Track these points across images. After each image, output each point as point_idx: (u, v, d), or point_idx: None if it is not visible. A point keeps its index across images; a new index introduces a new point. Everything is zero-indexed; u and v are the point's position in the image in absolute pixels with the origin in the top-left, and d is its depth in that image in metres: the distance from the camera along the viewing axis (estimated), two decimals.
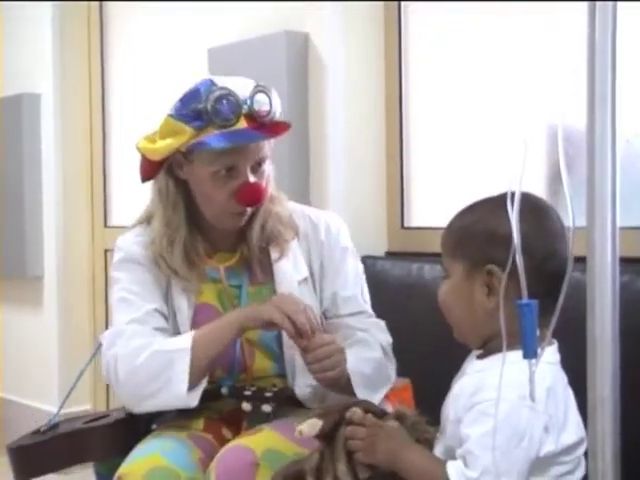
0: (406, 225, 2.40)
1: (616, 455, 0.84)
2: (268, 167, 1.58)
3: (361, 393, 1.50)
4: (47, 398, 3.19)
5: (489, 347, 1.24)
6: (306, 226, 1.67)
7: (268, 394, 1.56)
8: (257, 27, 2.47)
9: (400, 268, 2.12)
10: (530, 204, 1.19)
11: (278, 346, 1.60)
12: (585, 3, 0.83)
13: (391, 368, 1.62)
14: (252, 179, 1.52)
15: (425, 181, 2.38)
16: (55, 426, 1.67)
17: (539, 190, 1.95)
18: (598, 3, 0.83)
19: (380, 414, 1.31)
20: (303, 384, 1.58)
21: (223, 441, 1.54)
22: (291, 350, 1.57)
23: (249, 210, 1.57)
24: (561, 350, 1.24)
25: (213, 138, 1.47)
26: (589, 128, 0.84)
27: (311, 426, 1.26)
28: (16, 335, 3.44)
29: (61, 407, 1.82)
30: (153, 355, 1.47)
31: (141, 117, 3.19)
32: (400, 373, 1.65)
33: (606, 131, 0.83)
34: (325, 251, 1.66)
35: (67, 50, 3.29)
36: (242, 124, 1.49)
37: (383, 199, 2.41)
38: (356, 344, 1.57)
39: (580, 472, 1.21)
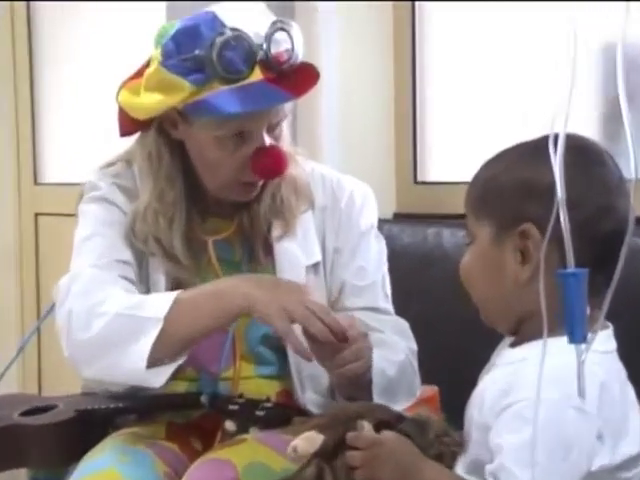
0: (420, 179, 2.41)
1: None
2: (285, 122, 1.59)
3: (380, 399, 1.50)
4: None
5: (524, 332, 1.23)
6: (325, 195, 1.68)
7: (260, 412, 1.52)
8: None
9: (412, 234, 2.13)
10: (577, 147, 1.18)
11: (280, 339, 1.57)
12: None
13: (416, 381, 1.63)
14: (268, 141, 1.52)
15: (444, 123, 2.39)
16: None
17: (590, 134, 1.95)
18: None
19: (396, 421, 1.30)
20: (314, 394, 1.59)
21: (192, 453, 1.56)
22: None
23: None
24: (617, 336, 1.24)
25: (221, 98, 1.45)
26: None
27: (309, 441, 1.24)
28: None
29: None
30: (115, 320, 1.46)
31: (79, 58, 3.19)
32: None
33: None
34: (343, 226, 1.67)
35: None
36: (257, 76, 1.47)
37: (390, 146, 2.41)
38: (374, 345, 1.55)
39: None
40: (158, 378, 1.46)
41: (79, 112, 3.23)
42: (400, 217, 2.37)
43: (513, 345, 1.26)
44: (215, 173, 1.57)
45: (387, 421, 1.29)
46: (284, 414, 1.56)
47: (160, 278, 1.59)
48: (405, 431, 1.27)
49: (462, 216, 1.30)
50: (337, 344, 1.42)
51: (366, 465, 1.23)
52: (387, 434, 1.26)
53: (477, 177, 1.27)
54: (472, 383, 1.28)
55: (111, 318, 1.45)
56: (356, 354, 1.45)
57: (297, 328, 1.44)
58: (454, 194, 2.15)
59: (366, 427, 1.25)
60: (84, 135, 3.19)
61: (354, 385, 1.50)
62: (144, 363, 1.44)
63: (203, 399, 1.57)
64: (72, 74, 3.26)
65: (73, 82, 3.26)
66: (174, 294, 1.48)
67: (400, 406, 1.53)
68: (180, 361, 1.49)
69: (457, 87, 2.36)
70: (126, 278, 1.55)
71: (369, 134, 2.41)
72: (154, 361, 1.45)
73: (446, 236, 2.05)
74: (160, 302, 1.47)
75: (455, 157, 2.38)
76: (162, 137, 1.57)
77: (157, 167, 1.58)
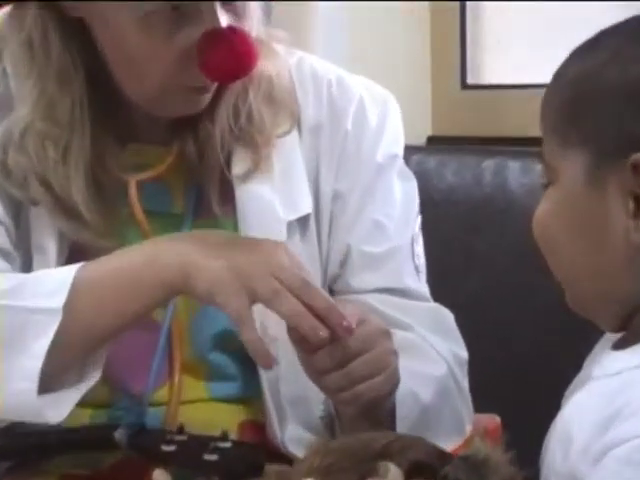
0: (471, 82, 2.46)
1: None
2: None
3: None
4: None
5: (636, 326, 1.23)
6: (320, 105, 1.70)
7: (211, 457, 1.52)
8: None
9: (458, 169, 2.17)
10: None
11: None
12: None
13: (465, 408, 1.65)
14: (225, 21, 1.51)
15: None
16: None
17: None
18: None
19: (438, 463, 1.30)
20: (299, 429, 1.62)
21: None
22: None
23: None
24: None
25: None
26: None
27: None
28: None
29: None
30: None
31: None
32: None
33: None
34: (349, 156, 1.69)
35: None
36: None
37: (424, 32, 2.46)
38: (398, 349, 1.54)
39: None
40: (58, 409, 1.46)
41: None
42: (439, 142, 2.42)
43: (618, 346, 1.25)
44: (140, 73, 1.56)
45: (425, 463, 1.30)
46: (250, 459, 1.57)
47: (48, 242, 1.59)
48: (451, 478, 1.28)
49: (537, 140, 1.28)
50: (339, 348, 1.40)
51: None
52: None
53: (561, 76, 1.26)
54: (552, 407, 1.27)
55: None
56: (373, 364, 1.43)
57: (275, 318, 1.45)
58: (523, 104, 2.17)
59: (392, 472, 1.26)
60: None
61: (367, 416, 1.50)
62: (34, 384, 1.42)
63: (119, 435, 1.57)
64: None
65: None
66: (73, 269, 1.47)
67: (445, 446, 1.52)
68: (92, 382, 1.48)
69: None
70: None
71: (391, 12, 2.44)
72: (49, 380, 1.44)
73: (512, 172, 2.07)
74: (54, 283, 1.46)
75: (526, 48, 2.43)
76: (50, 14, 1.55)
77: (43, 61, 1.57)
